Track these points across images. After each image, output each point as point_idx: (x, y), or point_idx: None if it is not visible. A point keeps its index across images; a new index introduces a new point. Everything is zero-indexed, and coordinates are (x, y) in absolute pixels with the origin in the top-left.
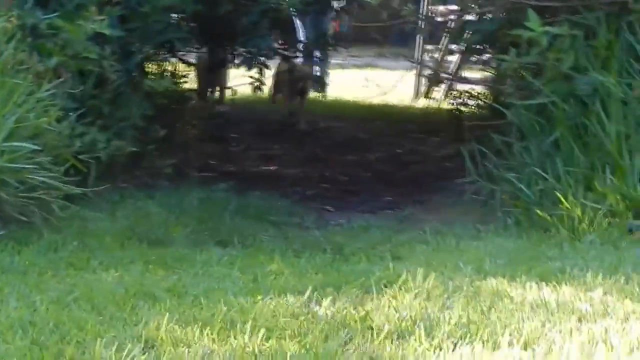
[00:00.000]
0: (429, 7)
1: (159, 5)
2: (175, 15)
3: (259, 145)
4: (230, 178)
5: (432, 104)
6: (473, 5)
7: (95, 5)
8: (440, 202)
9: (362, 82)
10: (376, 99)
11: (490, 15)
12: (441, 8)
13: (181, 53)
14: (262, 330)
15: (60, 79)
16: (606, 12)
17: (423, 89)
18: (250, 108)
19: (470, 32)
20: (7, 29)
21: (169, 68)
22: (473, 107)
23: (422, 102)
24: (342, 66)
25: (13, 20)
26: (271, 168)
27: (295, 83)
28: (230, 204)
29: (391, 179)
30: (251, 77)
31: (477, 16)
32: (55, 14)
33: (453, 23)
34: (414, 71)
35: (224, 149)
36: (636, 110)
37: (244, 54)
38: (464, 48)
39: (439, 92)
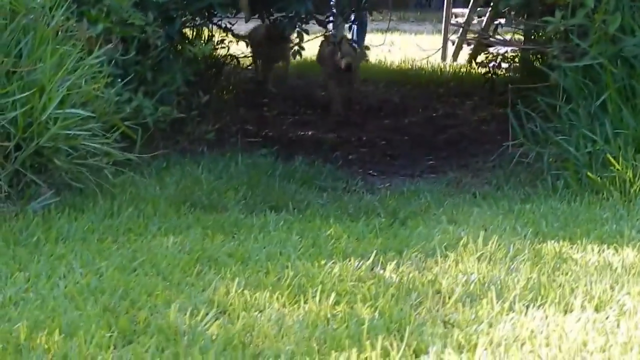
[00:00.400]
0: None
1: None
2: None
3: (293, 111)
4: (271, 143)
5: (462, 67)
6: None
7: None
8: (484, 166)
9: (388, 46)
10: (404, 63)
11: None
12: None
13: (218, 20)
14: (333, 295)
15: (109, 45)
16: None
17: (452, 51)
18: (294, 72)
19: None
20: None
21: (206, 34)
22: (506, 71)
23: (451, 66)
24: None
25: None
26: (309, 133)
27: (339, 64)
28: (277, 170)
29: (429, 143)
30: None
31: None
32: None
33: None
34: (447, 34)
35: (260, 114)
36: None
37: (281, 19)
38: (501, 10)
39: (468, 55)
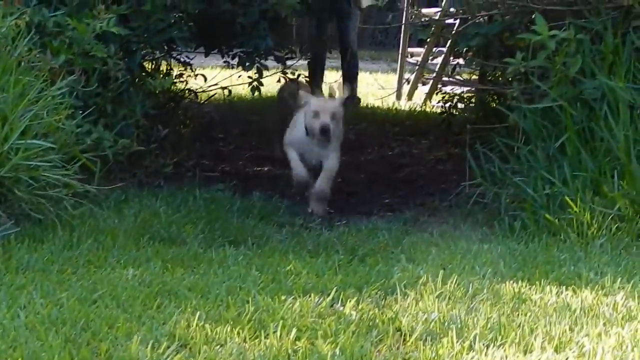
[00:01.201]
0: (412, 10)
1: (159, 3)
2: (175, 15)
3: (249, 146)
4: (229, 178)
5: (417, 106)
6: (460, 11)
7: (102, 4)
8: (441, 205)
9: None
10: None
11: (483, 19)
12: (427, 10)
13: (177, 54)
14: (293, 331)
15: (72, 77)
16: (612, 17)
17: (407, 90)
18: (251, 107)
19: (464, 36)
20: (19, 26)
21: (163, 68)
22: (462, 111)
23: (404, 105)
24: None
25: (26, 17)
26: (265, 169)
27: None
28: (235, 205)
29: (386, 181)
30: (249, 77)
31: (477, 20)
32: (60, 12)
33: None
34: (402, 73)
35: (216, 148)
36: None
37: (241, 54)
38: (461, 51)
39: (424, 94)
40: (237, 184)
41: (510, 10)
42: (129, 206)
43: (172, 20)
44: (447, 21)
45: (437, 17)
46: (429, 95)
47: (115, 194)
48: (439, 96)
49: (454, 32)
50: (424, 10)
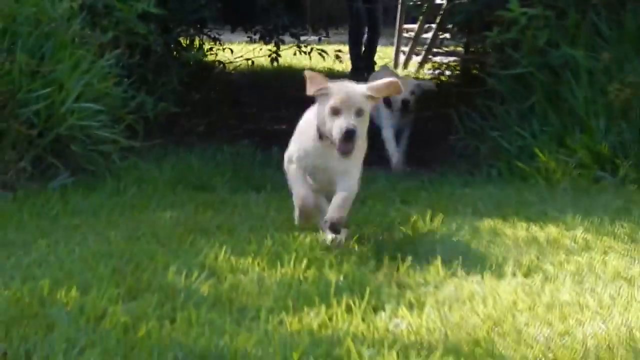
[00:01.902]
0: None
1: None
2: None
3: (269, 108)
4: (252, 135)
5: (411, 73)
6: None
7: None
8: (432, 157)
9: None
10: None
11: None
12: None
13: (208, 31)
14: (305, 261)
15: (117, 50)
16: None
17: (402, 61)
18: (270, 76)
19: (451, 14)
20: (73, 8)
21: (197, 43)
22: (448, 77)
23: (401, 72)
24: (329, 41)
25: (77, 1)
26: (283, 127)
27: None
28: (256, 158)
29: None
30: (269, 50)
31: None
32: None
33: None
34: (399, 46)
35: (241, 110)
36: (601, 79)
37: (262, 31)
38: (447, 26)
39: (416, 64)
40: (259, 141)
41: None
42: (167, 160)
43: (203, 2)
44: (436, 1)
45: None
46: (421, 64)
47: (156, 150)
48: (430, 65)
49: (442, 10)
50: None
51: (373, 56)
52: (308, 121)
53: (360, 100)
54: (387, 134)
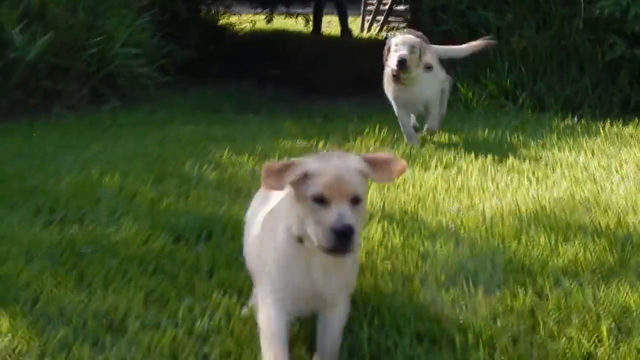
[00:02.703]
0: None
1: None
2: None
3: (268, 57)
4: (252, 77)
5: (373, 35)
6: None
7: None
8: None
9: (327, 23)
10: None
11: None
12: None
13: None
14: (285, 157)
15: (152, 11)
16: None
17: (367, 25)
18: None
19: None
20: None
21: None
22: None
23: (366, 34)
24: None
25: None
26: (278, 71)
27: None
28: (256, 92)
29: (347, 81)
30: (266, 14)
31: None
32: None
33: None
34: (364, 15)
35: (246, 58)
36: (505, 33)
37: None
38: None
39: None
40: (261, 80)
41: None
42: (189, 91)
43: None
44: None
45: None
46: (380, 28)
47: (181, 84)
48: (386, 28)
49: None
50: None
51: (346, 21)
52: (270, 224)
53: (355, 183)
54: (397, 113)
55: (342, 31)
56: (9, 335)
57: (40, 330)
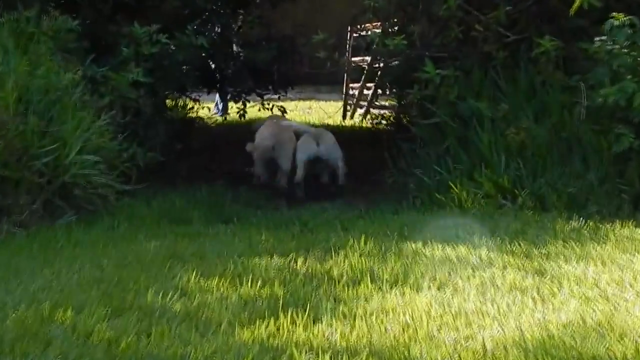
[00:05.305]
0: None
1: (175, 60)
2: (185, 67)
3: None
4: (226, 177)
5: (356, 123)
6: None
7: (133, 61)
8: (369, 191)
9: (307, 109)
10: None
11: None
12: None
13: (189, 93)
14: (260, 280)
15: (112, 112)
16: (478, 59)
17: (349, 112)
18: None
19: (384, 75)
20: (75, 79)
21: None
22: (385, 125)
23: (348, 122)
24: (290, 99)
25: (78, 73)
26: (252, 168)
27: None
28: (228, 195)
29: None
30: (238, 107)
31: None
32: (106, 68)
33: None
34: (346, 101)
35: (217, 156)
36: (500, 126)
37: (232, 92)
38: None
39: (360, 115)
40: (232, 180)
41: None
42: (155, 199)
43: (184, 71)
44: (374, 65)
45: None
46: (364, 116)
47: (146, 191)
48: (369, 116)
49: (378, 73)
50: (356, 59)
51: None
52: None
53: None
54: None
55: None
56: None
57: None
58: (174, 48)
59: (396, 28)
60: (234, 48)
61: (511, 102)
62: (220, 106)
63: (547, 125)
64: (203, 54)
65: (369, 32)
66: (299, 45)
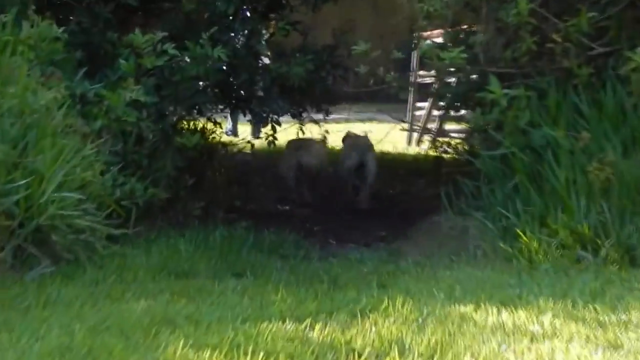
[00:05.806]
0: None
1: (187, 75)
2: (201, 83)
3: (277, 188)
4: (251, 217)
5: (422, 151)
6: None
7: (134, 76)
8: (423, 236)
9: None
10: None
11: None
12: (424, 72)
13: (209, 114)
14: (262, 353)
15: (102, 139)
16: (555, 77)
17: (415, 138)
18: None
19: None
20: (57, 99)
21: (200, 125)
22: (452, 155)
23: (413, 150)
24: (347, 120)
25: (62, 91)
26: (286, 207)
27: None
28: (249, 240)
29: (385, 216)
30: (266, 132)
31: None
32: (100, 85)
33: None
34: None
35: (246, 191)
36: (581, 159)
37: (260, 113)
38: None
39: (427, 141)
40: (256, 221)
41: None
42: (156, 244)
43: (200, 88)
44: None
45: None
46: (432, 142)
47: (149, 234)
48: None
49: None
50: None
51: None
52: None
53: None
54: None
55: None
56: None
57: None
58: (187, 60)
59: (461, 37)
60: (262, 60)
61: (595, 131)
62: (230, 126)
63: (639, 160)
64: (224, 67)
65: (424, 43)
66: (341, 58)
